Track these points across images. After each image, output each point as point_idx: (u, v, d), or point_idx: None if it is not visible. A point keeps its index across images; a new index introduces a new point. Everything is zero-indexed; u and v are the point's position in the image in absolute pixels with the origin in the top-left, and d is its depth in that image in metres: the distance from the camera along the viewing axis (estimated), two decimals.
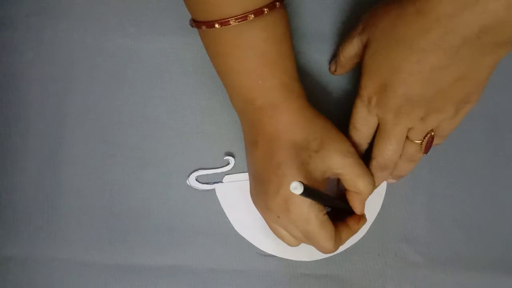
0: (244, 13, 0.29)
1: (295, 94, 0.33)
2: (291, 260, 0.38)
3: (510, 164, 0.39)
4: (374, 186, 0.34)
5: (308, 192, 0.27)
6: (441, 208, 0.39)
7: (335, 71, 0.38)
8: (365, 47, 0.33)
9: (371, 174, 0.34)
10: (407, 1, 0.28)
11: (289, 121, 0.32)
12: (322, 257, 0.38)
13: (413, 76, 0.29)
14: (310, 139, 0.32)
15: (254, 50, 0.31)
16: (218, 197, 0.39)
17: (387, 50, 0.30)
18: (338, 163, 0.32)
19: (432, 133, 0.33)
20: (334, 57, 0.38)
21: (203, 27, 0.31)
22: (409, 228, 0.38)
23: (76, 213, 0.39)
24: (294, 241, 0.35)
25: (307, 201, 0.31)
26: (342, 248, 0.38)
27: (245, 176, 0.39)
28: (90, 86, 0.40)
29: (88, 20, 0.40)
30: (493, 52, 0.28)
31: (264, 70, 0.32)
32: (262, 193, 0.33)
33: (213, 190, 0.39)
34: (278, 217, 0.32)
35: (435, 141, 0.34)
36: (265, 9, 0.30)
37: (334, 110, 0.39)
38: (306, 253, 0.38)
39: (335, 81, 0.39)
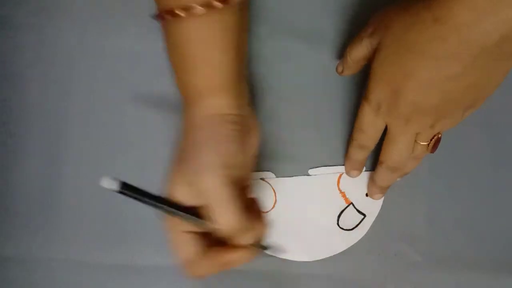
0: (187, 6, 0.27)
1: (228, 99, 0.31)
2: (291, 260, 0.38)
3: (510, 164, 0.39)
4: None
5: (128, 190, 0.25)
6: (441, 208, 0.39)
7: (342, 72, 0.37)
8: (374, 50, 0.32)
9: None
10: (422, 7, 0.28)
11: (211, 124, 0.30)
12: (322, 257, 0.38)
13: (425, 84, 0.29)
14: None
15: (184, 49, 0.30)
16: None
17: (399, 56, 0.29)
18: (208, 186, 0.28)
19: (440, 135, 0.33)
20: (341, 57, 0.38)
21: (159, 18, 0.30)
22: (409, 228, 0.38)
23: (76, 213, 0.39)
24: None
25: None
26: (342, 248, 0.38)
27: None
28: (90, 86, 0.40)
29: (88, 20, 0.40)
30: (507, 61, 0.27)
31: (198, 69, 0.30)
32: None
33: None
34: None
35: None
36: (216, 3, 0.27)
37: (334, 109, 0.39)
38: (306, 253, 0.38)
39: (336, 81, 0.39)
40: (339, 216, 0.38)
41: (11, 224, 0.39)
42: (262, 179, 0.39)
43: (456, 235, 0.38)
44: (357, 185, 0.39)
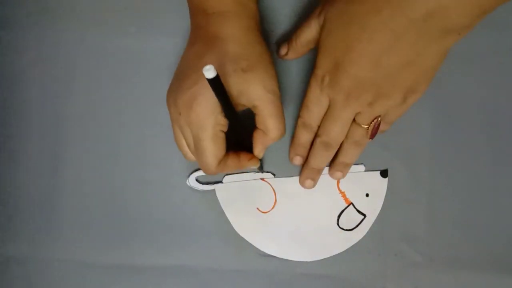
0: None
1: (246, 12, 0.33)
2: (291, 260, 0.38)
3: (510, 164, 0.39)
4: (282, 133, 0.33)
5: (218, 84, 0.27)
6: (441, 208, 0.39)
7: (285, 54, 0.37)
8: (322, 28, 0.33)
9: (284, 121, 0.33)
10: None
11: (231, 34, 0.32)
12: (322, 257, 0.38)
13: (363, 57, 0.30)
14: (242, 57, 0.32)
15: None
16: (218, 197, 0.39)
17: (341, 29, 0.31)
18: (257, 94, 0.32)
19: (379, 119, 0.33)
20: (286, 41, 0.37)
21: None
22: (409, 228, 0.38)
23: (76, 213, 0.39)
24: (188, 151, 0.34)
25: (211, 107, 0.31)
26: (342, 248, 0.38)
27: (245, 176, 0.39)
28: (90, 86, 0.40)
29: (88, 20, 0.40)
30: (439, 40, 0.28)
31: None
32: (177, 87, 0.33)
33: (213, 190, 0.39)
34: (180, 114, 0.32)
35: (382, 127, 0.35)
36: None
37: None
38: (306, 253, 0.38)
39: None
40: (339, 216, 0.38)
41: (12, 224, 0.39)
42: (262, 179, 0.39)
43: (456, 235, 0.38)
44: (357, 185, 0.39)
